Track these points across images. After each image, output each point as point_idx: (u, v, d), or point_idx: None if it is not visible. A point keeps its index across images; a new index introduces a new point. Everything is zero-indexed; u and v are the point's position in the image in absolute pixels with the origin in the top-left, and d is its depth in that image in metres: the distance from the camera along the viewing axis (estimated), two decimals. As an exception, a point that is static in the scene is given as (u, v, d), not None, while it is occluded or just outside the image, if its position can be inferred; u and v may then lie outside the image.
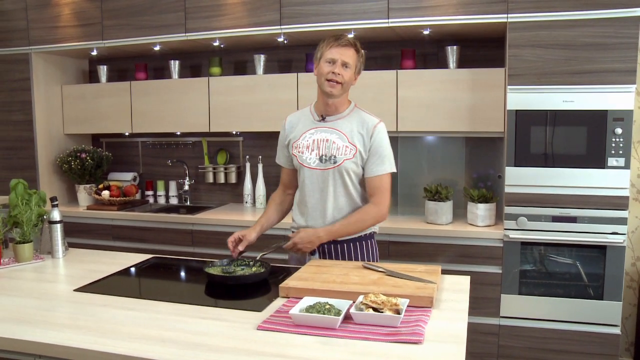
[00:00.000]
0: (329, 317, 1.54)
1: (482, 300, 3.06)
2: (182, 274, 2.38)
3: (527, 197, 2.98)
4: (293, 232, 2.31)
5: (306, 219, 2.28)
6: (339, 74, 2.12)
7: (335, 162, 2.18)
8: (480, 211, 3.17)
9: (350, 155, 2.18)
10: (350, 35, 2.17)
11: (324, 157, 2.20)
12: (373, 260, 2.30)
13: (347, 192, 2.23)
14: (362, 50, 2.22)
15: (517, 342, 3.05)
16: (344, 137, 2.20)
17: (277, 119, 3.58)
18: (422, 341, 1.45)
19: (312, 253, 2.26)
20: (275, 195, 2.47)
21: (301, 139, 2.27)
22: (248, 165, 3.99)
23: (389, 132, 2.27)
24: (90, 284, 2.05)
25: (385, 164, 2.22)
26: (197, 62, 4.14)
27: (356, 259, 2.26)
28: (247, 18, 3.45)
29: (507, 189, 3.02)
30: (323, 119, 2.25)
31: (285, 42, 3.68)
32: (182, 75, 4.02)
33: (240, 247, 2.23)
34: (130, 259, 2.44)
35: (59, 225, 2.44)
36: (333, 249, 2.26)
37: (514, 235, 3.00)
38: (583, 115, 2.87)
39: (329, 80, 2.14)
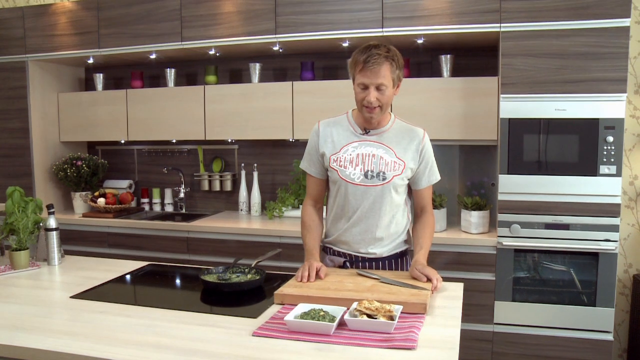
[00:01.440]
0: (324, 323, 1.55)
1: (475, 307, 3.07)
2: (178, 281, 2.39)
3: (520, 205, 3.01)
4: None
5: (346, 237, 2.16)
6: (375, 99, 1.97)
7: (384, 179, 2.07)
8: (474, 218, 3.19)
9: (399, 171, 2.09)
10: (380, 47, 1.98)
11: (369, 172, 2.08)
12: None
13: (393, 208, 2.12)
14: (398, 57, 2.00)
15: (511, 348, 3.07)
16: (391, 152, 2.10)
17: (272, 127, 3.61)
18: (416, 347, 1.47)
19: (345, 267, 2.18)
20: (308, 217, 2.23)
21: (342, 152, 2.11)
22: (243, 173, 4.00)
23: None
24: (87, 291, 2.06)
25: (436, 173, 2.20)
26: (192, 70, 4.16)
27: None
28: (243, 27, 3.48)
29: (500, 197, 3.04)
30: (366, 132, 2.12)
31: (281, 50, 3.70)
32: (177, 83, 4.04)
33: (322, 275, 2.01)
34: (126, 266, 2.45)
35: (55, 233, 2.45)
36: (374, 266, 2.17)
37: (508, 242, 3.02)
38: (575, 123, 2.91)
39: (366, 107, 2.01)
